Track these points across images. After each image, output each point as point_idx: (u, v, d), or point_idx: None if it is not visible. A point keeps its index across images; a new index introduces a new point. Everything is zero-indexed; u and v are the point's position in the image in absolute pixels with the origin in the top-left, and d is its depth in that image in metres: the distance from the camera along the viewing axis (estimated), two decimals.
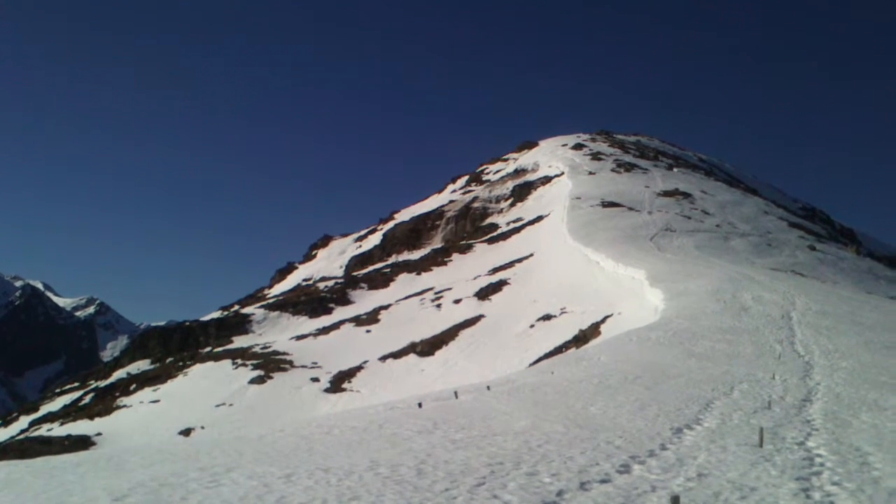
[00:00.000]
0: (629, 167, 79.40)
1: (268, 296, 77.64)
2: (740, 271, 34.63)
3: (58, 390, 53.72)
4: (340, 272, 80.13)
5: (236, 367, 40.06)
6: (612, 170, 77.66)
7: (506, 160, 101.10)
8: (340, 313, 52.57)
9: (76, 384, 52.19)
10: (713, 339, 19.32)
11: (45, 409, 44.25)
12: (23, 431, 38.27)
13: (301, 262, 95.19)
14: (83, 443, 30.96)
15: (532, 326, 35.39)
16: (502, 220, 71.16)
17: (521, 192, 77.34)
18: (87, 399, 43.02)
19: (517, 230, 62.93)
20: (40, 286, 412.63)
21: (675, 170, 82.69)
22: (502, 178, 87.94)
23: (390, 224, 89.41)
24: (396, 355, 37.95)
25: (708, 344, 18.73)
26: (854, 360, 16.80)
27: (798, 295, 27.91)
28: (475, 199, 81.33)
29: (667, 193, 64.00)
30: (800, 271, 39.33)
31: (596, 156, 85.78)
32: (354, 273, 72.75)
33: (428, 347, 37.51)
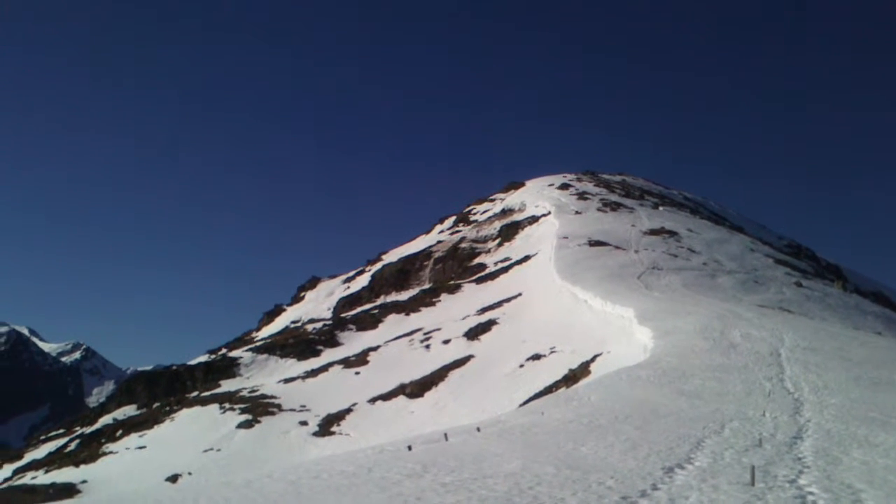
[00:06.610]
0: (615, 206, 79.93)
1: (255, 338, 77.22)
2: (728, 308, 34.71)
3: (43, 437, 52.99)
4: (328, 314, 79.86)
5: (224, 412, 39.67)
6: (599, 209, 78.15)
7: (492, 200, 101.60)
8: (329, 355, 52.28)
9: (61, 431, 51.51)
10: (703, 377, 19.30)
11: (29, 457, 43.62)
12: (6, 480, 37.65)
13: (289, 304, 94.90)
14: (68, 491, 30.51)
15: (521, 366, 35.26)
16: (490, 260, 71.24)
17: (509, 232, 77.58)
18: (73, 446, 42.44)
19: (505, 270, 62.99)
20: (25, 332, 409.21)
21: (660, 208, 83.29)
22: (489, 218, 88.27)
23: (378, 265, 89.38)
24: (386, 397, 37.70)
25: (698, 382, 18.71)
26: (843, 396, 16.82)
27: (786, 331, 27.97)
28: (463, 239, 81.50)
29: (653, 232, 64.36)
30: (787, 308, 39.47)
31: (582, 195, 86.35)
32: (343, 314, 72.48)
33: (417, 389, 37.30)
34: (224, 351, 66.95)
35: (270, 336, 73.15)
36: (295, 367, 51.17)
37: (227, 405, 40.71)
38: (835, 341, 27.39)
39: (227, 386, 48.60)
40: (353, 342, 54.88)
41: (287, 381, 46.25)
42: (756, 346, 24.68)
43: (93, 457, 36.44)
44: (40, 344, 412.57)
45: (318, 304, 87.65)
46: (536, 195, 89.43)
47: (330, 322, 67.75)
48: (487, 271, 66.33)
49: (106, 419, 48.38)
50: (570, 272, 48.64)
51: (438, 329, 49.26)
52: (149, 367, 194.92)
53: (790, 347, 24.65)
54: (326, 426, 35.25)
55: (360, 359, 47.38)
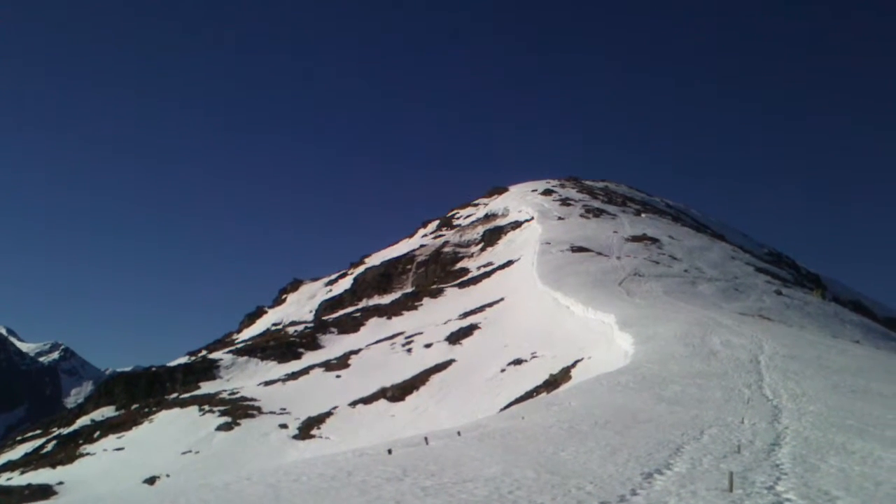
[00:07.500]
0: (597, 213, 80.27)
1: (236, 341, 76.83)
2: (708, 316, 34.90)
3: (19, 438, 52.44)
4: (310, 316, 79.64)
5: (203, 414, 39.43)
6: (581, 215, 78.47)
7: (476, 205, 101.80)
8: (310, 358, 52.11)
9: (38, 431, 51.00)
10: (682, 384, 19.38)
11: (5, 458, 43.17)
12: None
13: (270, 307, 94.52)
14: (44, 492, 30.22)
15: (503, 371, 35.30)
16: (473, 265, 71.35)
17: (492, 237, 77.73)
18: (50, 447, 42.03)
19: (488, 274, 63.09)
20: (3, 331, 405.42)
21: (642, 215, 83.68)
22: (472, 222, 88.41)
23: (361, 268, 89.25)
24: (367, 401, 37.61)
25: (677, 388, 18.78)
26: (821, 403, 16.92)
27: (766, 339, 28.15)
28: (446, 243, 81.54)
29: (635, 238, 64.66)
30: (767, 315, 39.73)
31: (565, 201, 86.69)
32: (324, 317, 72.30)
33: (398, 392, 37.25)
34: (204, 353, 66.54)
35: (251, 338, 72.81)
36: (275, 369, 50.97)
37: (206, 407, 40.46)
38: (814, 349, 27.59)
39: (206, 388, 48.32)
40: (335, 345, 54.74)
41: (267, 383, 46.05)
42: (736, 354, 24.81)
43: (70, 458, 36.11)
44: (18, 344, 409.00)
45: (299, 307, 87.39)
46: (520, 200, 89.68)
47: (311, 325, 67.56)
48: (470, 276, 66.42)
49: (84, 420, 47.96)
50: (553, 278, 48.78)
51: (420, 333, 49.23)
52: (128, 368, 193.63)
53: (769, 355, 24.80)
54: (306, 429, 35.12)
55: (342, 362, 47.26)
